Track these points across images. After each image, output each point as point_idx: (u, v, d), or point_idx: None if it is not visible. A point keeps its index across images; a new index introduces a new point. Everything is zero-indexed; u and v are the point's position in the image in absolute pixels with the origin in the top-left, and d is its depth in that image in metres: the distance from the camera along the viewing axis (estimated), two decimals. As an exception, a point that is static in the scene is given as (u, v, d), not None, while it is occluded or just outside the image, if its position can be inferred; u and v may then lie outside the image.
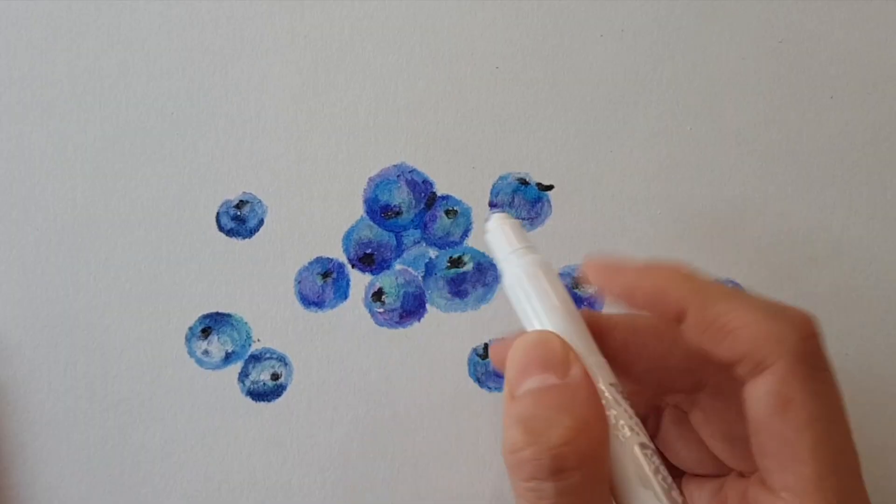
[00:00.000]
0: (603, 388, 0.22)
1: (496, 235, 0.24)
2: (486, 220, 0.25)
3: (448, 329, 0.31)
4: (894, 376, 0.31)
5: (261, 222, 0.31)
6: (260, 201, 0.31)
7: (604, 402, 0.22)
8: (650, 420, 0.26)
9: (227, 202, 0.31)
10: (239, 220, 0.31)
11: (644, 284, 0.23)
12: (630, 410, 0.22)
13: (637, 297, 0.23)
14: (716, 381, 0.23)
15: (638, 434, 0.22)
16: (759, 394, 0.21)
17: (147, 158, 0.31)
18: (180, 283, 0.31)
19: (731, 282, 0.31)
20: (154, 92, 0.31)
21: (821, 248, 0.31)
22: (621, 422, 0.22)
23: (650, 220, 0.31)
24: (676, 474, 0.26)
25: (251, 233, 0.31)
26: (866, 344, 0.31)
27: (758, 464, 0.21)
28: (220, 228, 0.31)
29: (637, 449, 0.21)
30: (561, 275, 0.31)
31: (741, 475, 0.23)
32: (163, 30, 0.31)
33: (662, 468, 0.21)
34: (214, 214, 0.31)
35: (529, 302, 0.23)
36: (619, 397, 0.22)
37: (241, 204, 0.31)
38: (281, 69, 0.32)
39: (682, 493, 0.23)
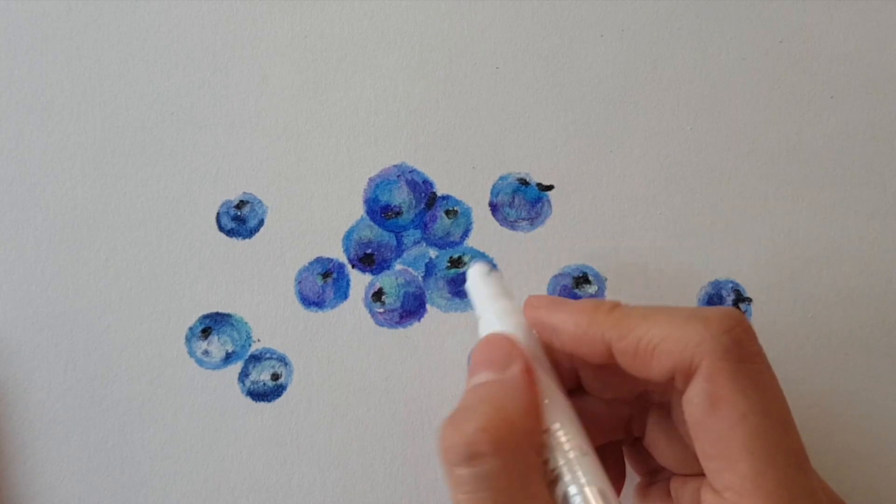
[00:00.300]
0: (547, 390, 0.23)
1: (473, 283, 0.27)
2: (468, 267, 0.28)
3: (448, 329, 0.31)
4: (894, 377, 0.31)
5: (261, 222, 0.31)
6: (260, 201, 0.31)
7: (545, 405, 0.22)
8: (636, 420, 0.26)
9: (227, 202, 0.31)
10: (239, 220, 0.31)
11: (566, 328, 0.23)
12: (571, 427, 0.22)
13: (564, 340, 0.23)
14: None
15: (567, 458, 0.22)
16: (691, 398, 0.21)
17: (147, 158, 0.31)
18: (180, 283, 0.31)
19: (731, 282, 0.31)
20: (154, 92, 0.31)
21: (820, 249, 0.31)
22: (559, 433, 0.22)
23: (650, 220, 0.31)
24: (665, 475, 0.26)
25: (251, 233, 0.31)
26: (866, 344, 0.31)
27: (703, 466, 0.21)
28: (221, 228, 0.31)
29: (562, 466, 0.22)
30: (561, 275, 0.31)
31: None
32: (163, 30, 0.31)
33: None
34: (214, 214, 0.31)
35: (490, 305, 0.26)
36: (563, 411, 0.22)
37: (241, 204, 0.31)
38: (281, 69, 0.32)
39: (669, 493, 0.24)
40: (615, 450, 0.27)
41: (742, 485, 0.20)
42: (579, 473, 0.21)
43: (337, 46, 0.32)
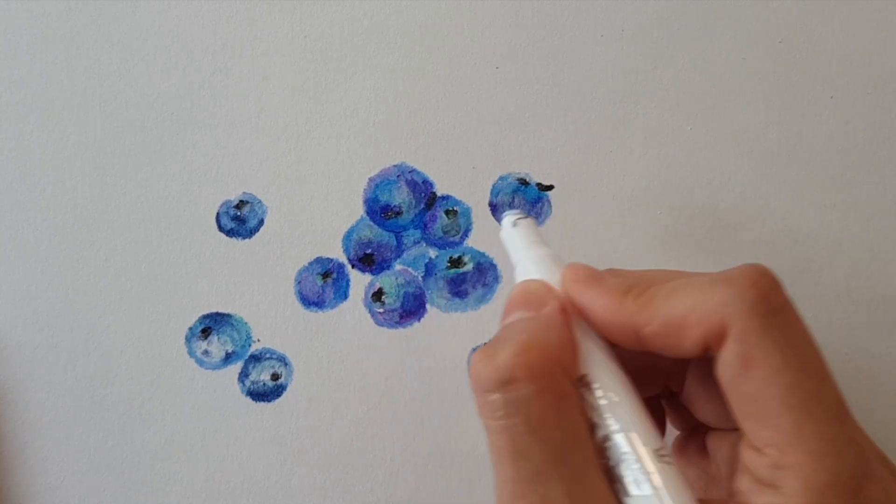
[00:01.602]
0: (585, 339, 0.22)
1: (509, 233, 0.26)
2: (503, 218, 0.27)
3: (448, 329, 0.32)
4: (894, 377, 0.31)
5: (261, 222, 0.31)
6: (260, 201, 0.31)
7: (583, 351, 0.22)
8: (674, 375, 0.25)
9: (227, 202, 0.31)
10: (239, 221, 0.31)
11: (596, 311, 0.23)
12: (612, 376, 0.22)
13: (593, 323, 0.23)
14: None
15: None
16: (724, 360, 0.21)
17: (147, 158, 0.31)
18: (180, 283, 0.31)
19: None
20: (154, 92, 0.32)
21: (821, 248, 0.32)
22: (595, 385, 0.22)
23: (650, 220, 0.32)
24: (702, 430, 0.25)
25: (251, 233, 0.31)
26: (866, 344, 0.31)
27: (742, 428, 0.21)
28: (220, 228, 0.31)
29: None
30: None
31: None
32: (163, 30, 0.32)
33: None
34: (214, 214, 0.31)
35: (525, 253, 0.25)
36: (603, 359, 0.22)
37: (241, 204, 0.31)
38: (281, 69, 0.32)
39: (706, 448, 0.24)
40: (654, 404, 0.26)
41: (783, 440, 0.20)
42: (618, 418, 0.21)
43: (337, 46, 0.32)
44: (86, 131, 0.31)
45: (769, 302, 0.20)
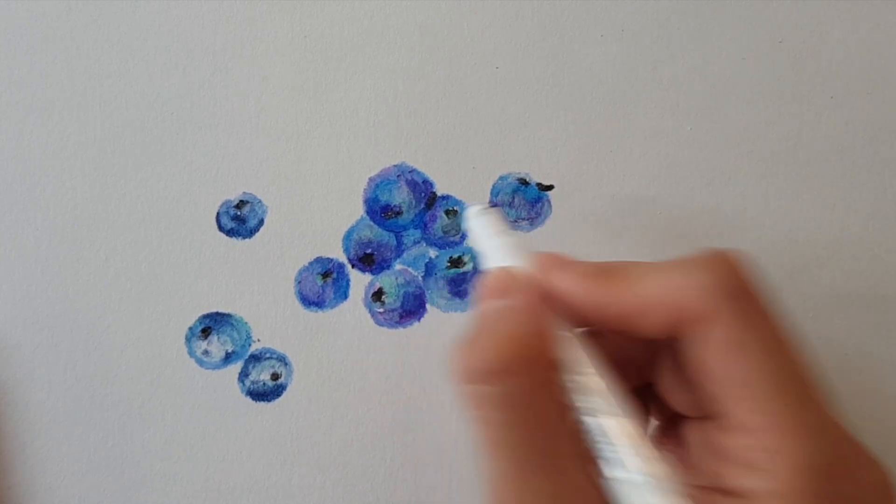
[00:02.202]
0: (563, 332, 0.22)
1: (476, 225, 0.27)
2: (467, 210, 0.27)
3: (448, 329, 0.32)
4: (894, 377, 0.31)
5: (261, 222, 0.31)
6: (260, 201, 0.31)
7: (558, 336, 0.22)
8: (646, 365, 0.26)
9: (227, 202, 0.31)
10: (239, 220, 0.31)
11: (569, 295, 0.23)
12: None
13: (567, 307, 0.23)
14: None
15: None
16: (709, 347, 0.21)
17: (147, 158, 0.32)
18: (180, 283, 0.31)
19: None
20: (154, 92, 0.32)
21: (820, 248, 0.32)
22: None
23: (650, 220, 0.32)
24: (676, 419, 0.26)
25: (251, 233, 0.31)
26: (866, 344, 0.31)
27: (728, 413, 0.21)
28: (221, 228, 0.31)
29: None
30: None
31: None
32: (163, 30, 0.32)
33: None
34: (214, 214, 0.31)
35: (491, 242, 0.26)
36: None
37: (241, 204, 0.31)
38: (281, 69, 0.32)
39: (680, 437, 0.24)
40: (634, 397, 0.27)
41: (772, 423, 0.20)
42: (601, 403, 0.21)
43: (337, 47, 0.32)
44: (86, 131, 0.32)
45: (747, 285, 0.21)
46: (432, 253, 0.32)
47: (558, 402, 0.22)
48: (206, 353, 0.31)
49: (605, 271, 0.23)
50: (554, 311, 0.23)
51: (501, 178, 0.32)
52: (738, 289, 0.21)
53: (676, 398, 0.25)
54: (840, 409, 0.22)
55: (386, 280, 0.32)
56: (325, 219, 0.32)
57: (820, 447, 0.20)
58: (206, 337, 0.31)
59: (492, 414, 0.21)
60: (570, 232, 0.32)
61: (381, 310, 0.31)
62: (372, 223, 0.32)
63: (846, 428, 0.21)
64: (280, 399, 0.31)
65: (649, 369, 0.25)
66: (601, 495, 0.21)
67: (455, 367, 0.21)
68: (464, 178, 0.32)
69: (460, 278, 0.32)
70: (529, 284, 0.23)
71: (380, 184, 0.32)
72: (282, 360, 0.31)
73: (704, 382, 0.22)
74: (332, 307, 0.31)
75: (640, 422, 0.22)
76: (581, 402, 0.22)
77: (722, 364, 0.21)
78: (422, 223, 0.32)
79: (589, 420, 0.21)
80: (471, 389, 0.21)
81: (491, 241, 0.26)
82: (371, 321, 0.32)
